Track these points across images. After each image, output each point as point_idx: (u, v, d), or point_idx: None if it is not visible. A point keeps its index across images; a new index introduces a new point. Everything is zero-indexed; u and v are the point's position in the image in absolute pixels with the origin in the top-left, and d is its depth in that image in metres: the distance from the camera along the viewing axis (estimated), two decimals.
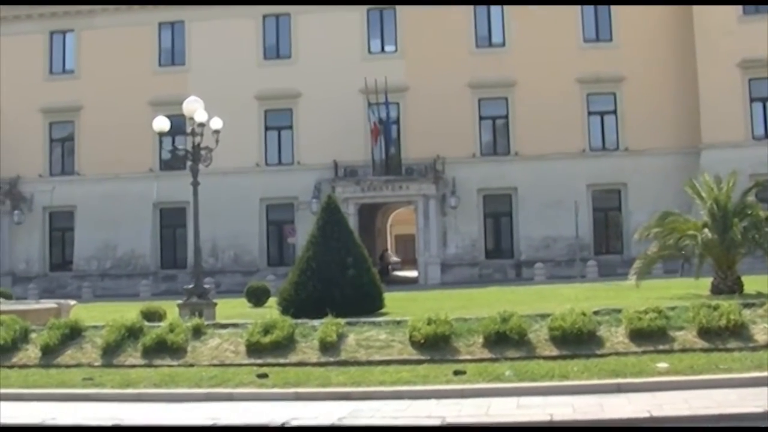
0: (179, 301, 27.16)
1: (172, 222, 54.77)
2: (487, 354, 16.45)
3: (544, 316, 17.47)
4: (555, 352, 16.38)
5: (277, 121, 54.81)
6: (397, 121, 52.50)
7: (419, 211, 52.58)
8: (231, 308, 30.00)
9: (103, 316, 22.65)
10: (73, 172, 56.96)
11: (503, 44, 52.99)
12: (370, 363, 16.32)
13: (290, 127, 54.66)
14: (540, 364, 15.58)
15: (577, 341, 16.52)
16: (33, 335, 19.04)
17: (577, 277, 45.38)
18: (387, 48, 54.52)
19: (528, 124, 51.55)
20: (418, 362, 16.19)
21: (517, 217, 52.13)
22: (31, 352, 18.42)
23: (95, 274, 54.91)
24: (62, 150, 58.18)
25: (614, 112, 52.10)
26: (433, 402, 13.40)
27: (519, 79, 51.75)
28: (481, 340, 16.84)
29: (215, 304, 26.90)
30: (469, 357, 16.38)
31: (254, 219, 53.70)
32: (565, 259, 50.42)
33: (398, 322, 17.97)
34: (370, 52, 54.13)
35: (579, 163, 51.05)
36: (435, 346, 16.71)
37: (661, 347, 16.32)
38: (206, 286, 28.18)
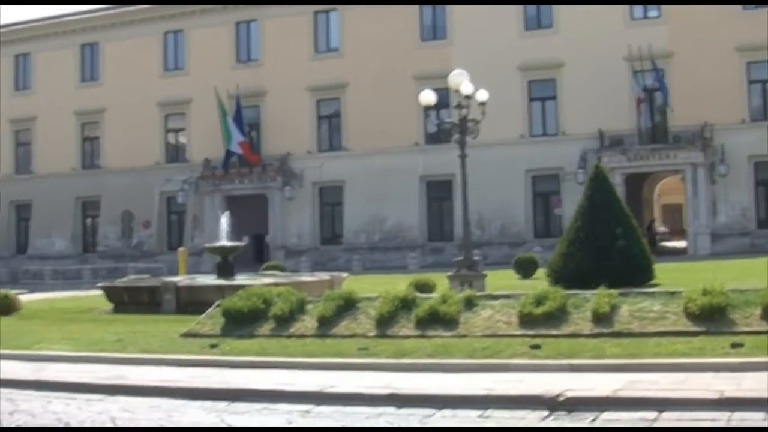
0: (448, 273, 27.47)
1: (438, 195, 55.45)
2: (765, 326, 15.77)
3: None
4: None
5: (541, 92, 54.65)
6: (663, 88, 51.29)
7: (687, 179, 51.43)
8: (499, 280, 30.11)
9: (373, 287, 23.07)
10: (340, 148, 58.38)
11: None
12: (643, 335, 15.99)
13: (554, 98, 54.41)
14: None
15: None
16: (309, 306, 19.54)
17: None
18: (650, 13, 53.36)
19: None
20: (693, 334, 15.75)
21: None
22: (308, 323, 18.93)
23: (364, 247, 56.12)
24: (329, 126, 59.77)
25: None
26: (709, 375, 13.00)
27: None
28: (758, 311, 16.20)
29: (484, 276, 27.06)
30: (746, 329, 15.81)
31: (520, 190, 53.70)
32: None
33: (672, 293, 17.54)
34: (632, 18, 53.16)
35: None
36: (710, 317, 16.22)
37: None
38: (475, 257, 28.32)
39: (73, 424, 12.14)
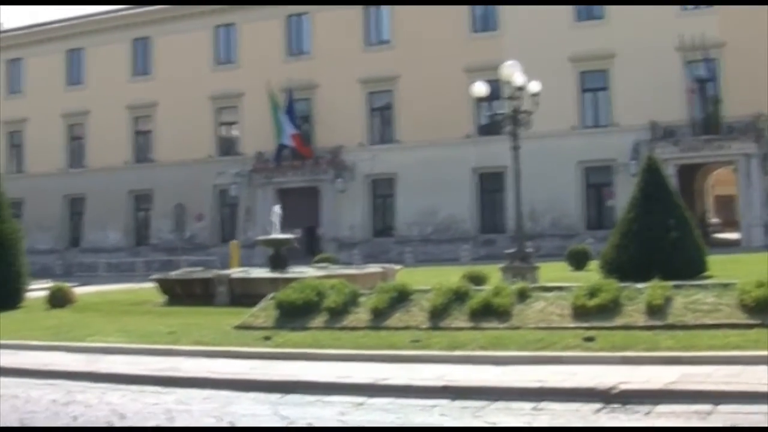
0: (501, 265, 27.45)
1: (490, 187, 55.39)
2: None
3: None
4: None
5: (593, 83, 54.42)
6: (715, 78, 50.86)
7: (740, 170, 51.02)
8: (552, 272, 30.00)
9: (426, 280, 23.12)
10: (392, 140, 58.46)
11: None
12: (697, 327, 15.88)
13: (605, 89, 54.07)
14: None
15: None
16: (362, 299, 19.59)
17: None
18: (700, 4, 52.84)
19: None
20: (748, 326, 15.60)
21: None
22: (361, 315, 18.98)
23: (416, 239, 56.12)
24: (381, 119, 59.83)
25: None
26: (764, 368, 12.84)
27: None
28: None
29: (537, 268, 27.00)
30: None
31: (572, 182, 53.46)
32: None
33: (726, 285, 17.38)
34: (683, 8, 52.62)
35: None
36: (765, 309, 15.99)
37: None
38: (528, 249, 28.27)
39: (129, 415, 12.31)
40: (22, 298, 29.73)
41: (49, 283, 33.73)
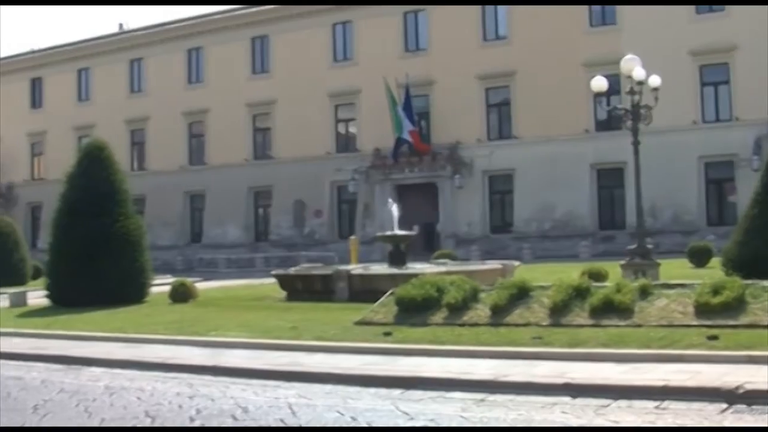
0: (621, 262, 27.21)
1: (609, 182, 54.83)
2: None
3: None
4: None
5: (713, 76, 53.44)
6: None
7: None
8: (672, 269, 29.61)
9: (544, 276, 22.94)
10: (510, 136, 58.28)
11: None
12: None
13: (727, 82, 53.08)
14: None
15: None
16: (482, 295, 19.57)
17: None
18: None
19: None
20: None
21: None
22: (481, 311, 18.96)
23: (534, 235, 55.85)
24: (498, 114, 59.67)
25: None
26: None
27: None
28: None
29: (658, 265, 26.69)
30: None
31: (692, 177, 52.65)
32: None
33: None
34: None
35: None
36: None
37: None
38: (648, 246, 27.96)
39: (251, 409, 12.45)
40: (146, 293, 30.39)
41: (170, 279, 34.38)
